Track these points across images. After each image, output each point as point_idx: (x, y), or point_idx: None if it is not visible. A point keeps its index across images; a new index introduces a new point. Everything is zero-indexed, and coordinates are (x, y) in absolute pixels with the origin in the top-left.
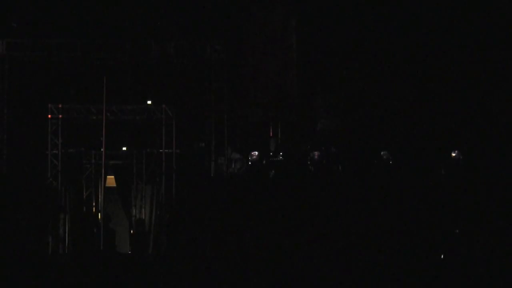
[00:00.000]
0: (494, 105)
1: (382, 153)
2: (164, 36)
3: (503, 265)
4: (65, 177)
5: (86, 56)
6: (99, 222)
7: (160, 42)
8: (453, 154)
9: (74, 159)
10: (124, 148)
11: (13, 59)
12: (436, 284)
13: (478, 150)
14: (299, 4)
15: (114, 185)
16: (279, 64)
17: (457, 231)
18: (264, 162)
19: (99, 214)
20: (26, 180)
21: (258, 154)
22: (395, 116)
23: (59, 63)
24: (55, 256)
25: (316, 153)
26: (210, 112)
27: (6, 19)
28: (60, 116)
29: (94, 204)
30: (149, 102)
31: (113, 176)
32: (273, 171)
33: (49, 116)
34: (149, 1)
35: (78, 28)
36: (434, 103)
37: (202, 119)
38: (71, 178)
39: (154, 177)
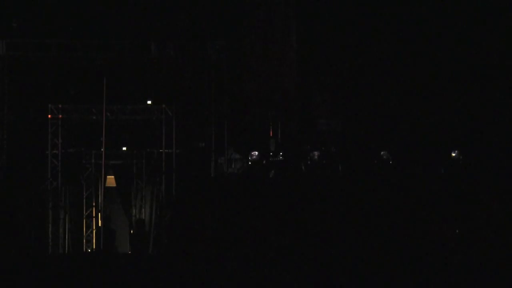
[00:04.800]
0: (494, 105)
1: (382, 153)
2: (164, 36)
3: (503, 265)
4: (65, 177)
5: (86, 56)
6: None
7: (160, 42)
8: (453, 154)
9: (74, 159)
10: (124, 148)
11: (13, 59)
12: (436, 283)
13: (478, 150)
14: (299, 4)
15: (114, 185)
16: (279, 64)
17: (457, 231)
18: (264, 162)
19: (99, 214)
20: (26, 180)
21: (258, 154)
22: (395, 116)
23: (59, 63)
24: (55, 256)
25: (316, 153)
26: (210, 112)
27: (6, 19)
28: (60, 116)
29: (94, 204)
30: (149, 102)
31: (113, 176)
32: (273, 171)
33: (49, 116)
34: (149, 1)
35: (78, 28)
36: (434, 103)
37: (202, 119)
38: (71, 178)
39: (154, 177)
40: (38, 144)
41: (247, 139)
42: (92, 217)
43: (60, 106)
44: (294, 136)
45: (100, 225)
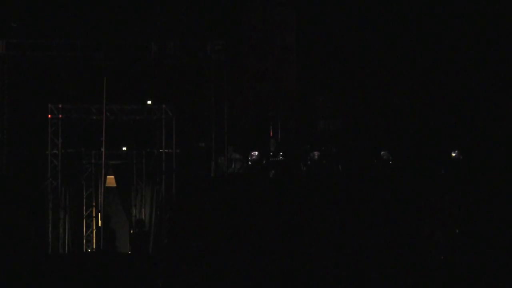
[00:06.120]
0: (494, 105)
1: (382, 153)
2: (164, 36)
3: (503, 265)
4: (65, 177)
5: (86, 56)
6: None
7: (160, 42)
8: (453, 154)
9: (74, 159)
10: (124, 148)
11: (13, 59)
12: (435, 284)
13: (478, 150)
14: (299, 4)
15: (114, 185)
16: (279, 64)
17: (457, 231)
18: (264, 162)
19: (99, 214)
20: (26, 180)
21: (258, 154)
22: (395, 116)
23: (59, 63)
24: (55, 256)
25: (316, 153)
26: (210, 112)
27: (6, 19)
28: (60, 116)
29: (94, 204)
30: (149, 102)
31: (113, 176)
32: (273, 171)
33: (49, 116)
34: (149, 1)
35: (78, 28)
36: (434, 103)
37: (202, 119)
38: (71, 178)
39: (154, 177)
40: (38, 144)
41: (247, 139)
42: (92, 217)
43: (60, 106)
44: (294, 136)
45: (100, 225)
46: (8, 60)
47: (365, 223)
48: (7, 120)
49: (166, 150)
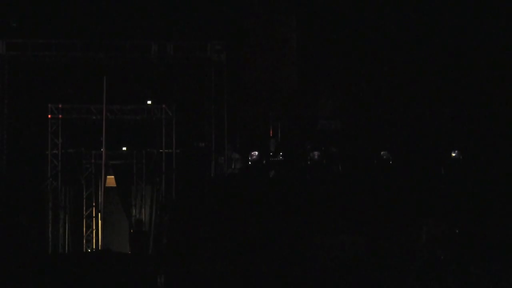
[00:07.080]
0: (494, 105)
1: (382, 153)
2: (164, 36)
3: (503, 265)
4: (65, 177)
5: (86, 56)
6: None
7: (160, 42)
8: (453, 154)
9: (74, 159)
10: (124, 148)
11: (13, 59)
12: (435, 284)
13: (478, 150)
14: (299, 4)
15: (114, 185)
16: (279, 64)
17: (457, 231)
18: (264, 162)
19: (99, 214)
20: (26, 180)
21: (258, 154)
22: (395, 116)
23: (59, 63)
24: (55, 256)
25: (316, 153)
26: (210, 112)
27: (6, 19)
28: (60, 116)
29: (94, 204)
30: (149, 102)
31: (113, 176)
32: (273, 171)
33: (49, 116)
34: (149, 1)
35: (78, 28)
36: (434, 104)
37: (202, 119)
38: (71, 178)
39: (154, 177)
40: (38, 144)
41: (247, 139)
42: (92, 217)
43: (60, 106)
44: (294, 136)
45: (100, 225)
46: (8, 60)
47: (365, 222)
48: (7, 120)
49: (166, 150)
